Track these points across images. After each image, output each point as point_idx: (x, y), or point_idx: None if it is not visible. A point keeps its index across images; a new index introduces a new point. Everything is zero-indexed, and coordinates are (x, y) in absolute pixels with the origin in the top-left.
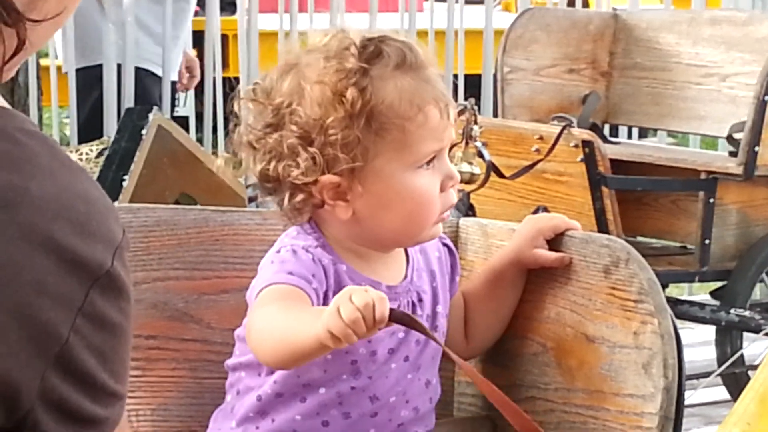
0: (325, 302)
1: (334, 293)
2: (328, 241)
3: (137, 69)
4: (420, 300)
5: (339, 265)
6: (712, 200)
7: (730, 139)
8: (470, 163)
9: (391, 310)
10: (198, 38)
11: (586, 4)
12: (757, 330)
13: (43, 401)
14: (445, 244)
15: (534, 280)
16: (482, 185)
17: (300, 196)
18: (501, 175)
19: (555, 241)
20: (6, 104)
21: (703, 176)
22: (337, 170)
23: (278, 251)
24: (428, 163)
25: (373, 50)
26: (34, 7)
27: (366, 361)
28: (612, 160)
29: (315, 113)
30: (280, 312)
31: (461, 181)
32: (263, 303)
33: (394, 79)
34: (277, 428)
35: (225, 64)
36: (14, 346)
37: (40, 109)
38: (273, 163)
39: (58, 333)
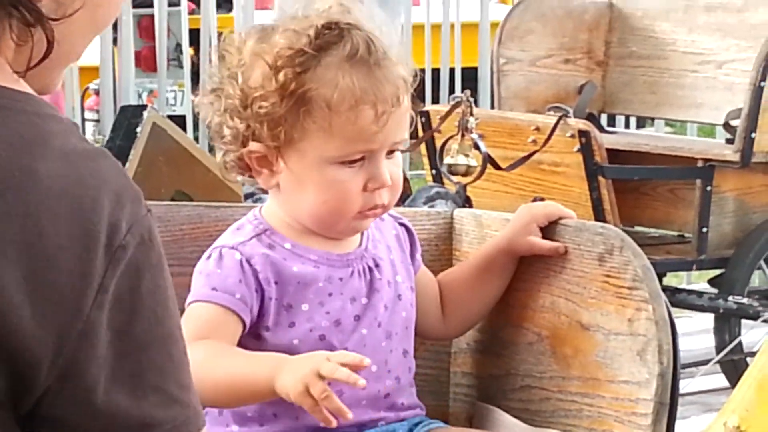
0: (263, 294)
1: (276, 283)
2: (272, 221)
3: None
4: (377, 266)
5: (279, 249)
6: (709, 188)
7: (726, 126)
8: (466, 155)
9: None
10: (194, 36)
11: None
12: (755, 317)
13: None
14: (402, 224)
15: (528, 269)
16: (478, 177)
17: (231, 155)
18: (497, 167)
19: (549, 230)
20: (29, 89)
21: (699, 164)
22: (263, 142)
23: (208, 256)
24: (353, 161)
25: (331, 36)
26: (58, 9)
27: (332, 332)
28: (609, 150)
29: (254, 83)
30: (217, 368)
31: (458, 174)
32: (188, 333)
33: (338, 71)
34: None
35: None
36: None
37: None
38: (218, 118)
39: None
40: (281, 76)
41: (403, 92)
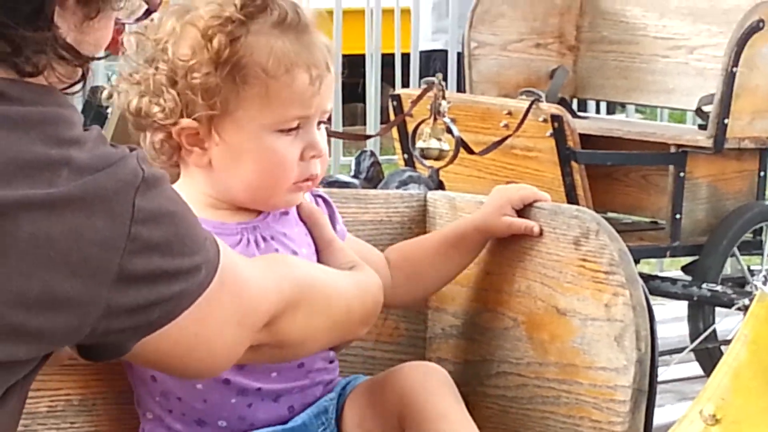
0: None
1: None
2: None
3: None
4: (273, 238)
5: None
6: (682, 174)
7: (698, 111)
8: (439, 140)
9: None
10: None
11: None
12: (729, 304)
13: (110, 314)
14: (318, 196)
15: (503, 252)
16: (451, 161)
17: (159, 135)
18: (470, 151)
19: (524, 213)
20: None
21: (672, 150)
22: (196, 115)
23: None
24: (290, 130)
25: (258, 4)
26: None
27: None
28: (581, 135)
29: (184, 55)
30: None
31: (430, 158)
32: None
33: (269, 36)
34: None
35: None
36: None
37: None
38: (143, 99)
39: (113, 251)
40: (215, 44)
41: (330, 59)
